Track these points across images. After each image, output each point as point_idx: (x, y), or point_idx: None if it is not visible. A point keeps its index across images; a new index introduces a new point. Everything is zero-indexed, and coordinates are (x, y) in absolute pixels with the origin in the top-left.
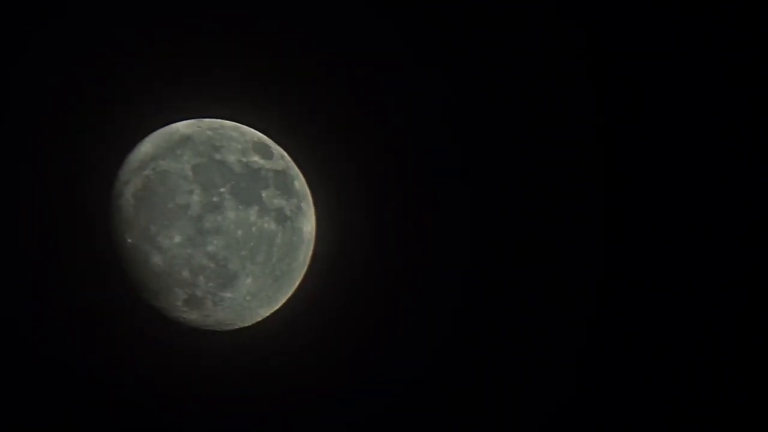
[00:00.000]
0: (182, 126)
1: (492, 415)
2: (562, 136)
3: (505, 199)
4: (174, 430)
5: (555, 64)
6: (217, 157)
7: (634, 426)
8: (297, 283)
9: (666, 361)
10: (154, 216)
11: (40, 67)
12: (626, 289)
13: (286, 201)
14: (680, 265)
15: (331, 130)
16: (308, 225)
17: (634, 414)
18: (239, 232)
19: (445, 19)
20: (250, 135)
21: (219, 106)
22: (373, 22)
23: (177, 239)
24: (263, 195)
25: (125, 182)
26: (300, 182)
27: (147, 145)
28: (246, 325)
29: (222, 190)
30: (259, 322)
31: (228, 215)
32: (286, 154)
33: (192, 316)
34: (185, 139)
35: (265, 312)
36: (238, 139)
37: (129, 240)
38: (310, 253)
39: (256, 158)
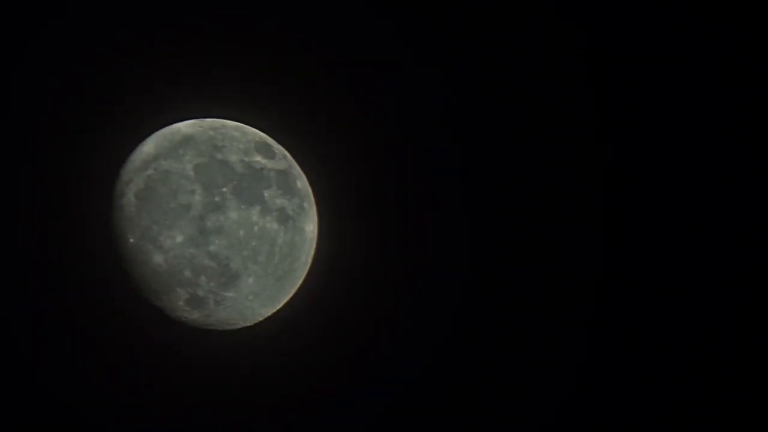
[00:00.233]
0: (184, 126)
1: (492, 415)
2: (561, 136)
3: (505, 199)
4: (176, 430)
5: (555, 64)
6: (219, 156)
7: (634, 426)
8: (299, 283)
9: (665, 361)
10: (156, 216)
11: (41, 67)
12: (626, 289)
13: (288, 201)
14: (680, 265)
15: (333, 130)
16: (310, 225)
17: (634, 414)
18: (241, 232)
19: (445, 19)
20: (252, 135)
21: (221, 106)
22: (374, 22)
23: (179, 239)
24: (265, 195)
25: (127, 182)
26: (302, 182)
27: (149, 145)
28: (248, 324)
29: (224, 189)
30: (260, 322)
31: (230, 215)
32: (288, 154)
33: (194, 316)
34: (187, 139)
35: (267, 312)
36: (240, 138)
37: (131, 240)
38: (312, 252)
39: (258, 158)
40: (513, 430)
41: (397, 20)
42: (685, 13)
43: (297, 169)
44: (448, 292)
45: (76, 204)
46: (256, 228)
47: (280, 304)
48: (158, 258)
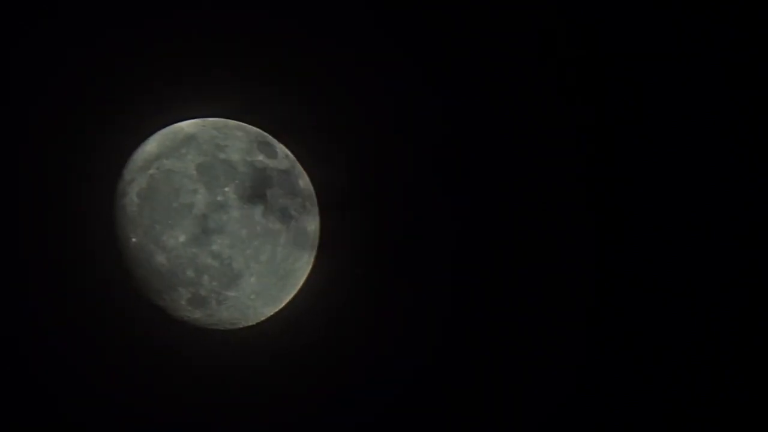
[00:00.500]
0: (186, 125)
1: (492, 415)
2: (561, 136)
3: (505, 199)
4: (178, 429)
5: (555, 64)
6: (222, 156)
7: (635, 426)
8: (301, 282)
9: (665, 361)
10: (159, 215)
11: (45, 66)
12: (626, 289)
13: (290, 200)
14: (679, 264)
15: (335, 130)
16: (312, 224)
17: (633, 414)
18: (244, 231)
19: (446, 19)
20: (255, 134)
21: (223, 106)
22: (376, 22)
23: (181, 238)
24: (268, 194)
25: (130, 181)
26: (304, 181)
27: (151, 145)
28: (250, 324)
29: (226, 189)
30: (263, 321)
31: (232, 214)
32: (290, 153)
33: (196, 315)
34: (189, 139)
35: (269, 311)
36: (243, 138)
37: (133, 239)
38: (314, 252)
39: (260, 157)
40: (513, 430)
41: (399, 20)
42: (685, 13)
43: (299, 169)
44: (449, 292)
45: (79, 203)
46: (258, 227)
47: (282, 304)
48: (160, 257)
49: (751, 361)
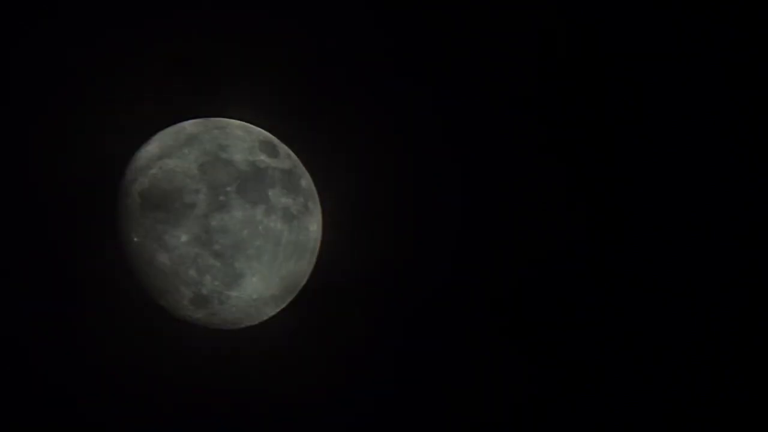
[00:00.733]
0: (189, 125)
1: (492, 415)
2: (561, 136)
3: (506, 199)
4: (179, 429)
5: (555, 64)
6: (224, 155)
7: (635, 426)
8: (303, 282)
9: (665, 360)
10: (161, 215)
11: (47, 65)
12: (626, 289)
13: (292, 200)
14: (679, 264)
15: (337, 129)
16: (314, 224)
17: (634, 414)
18: (245, 231)
19: (446, 19)
20: (257, 134)
21: (225, 105)
22: (378, 22)
23: (183, 238)
24: (270, 194)
25: (132, 181)
26: (306, 181)
27: (154, 144)
28: (252, 324)
29: (228, 189)
30: (265, 321)
31: (234, 214)
32: (292, 153)
33: (198, 315)
34: (192, 138)
35: (271, 311)
36: (245, 137)
37: (135, 239)
38: (316, 252)
39: (262, 157)
40: (513, 430)
41: (401, 20)
42: (685, 13)
43: (301, 168)
44: (449, 292)
45: (81, 203)
46: (260, 227)
47: (285, 304)
48: (163, 257)
49: (751, 361)
